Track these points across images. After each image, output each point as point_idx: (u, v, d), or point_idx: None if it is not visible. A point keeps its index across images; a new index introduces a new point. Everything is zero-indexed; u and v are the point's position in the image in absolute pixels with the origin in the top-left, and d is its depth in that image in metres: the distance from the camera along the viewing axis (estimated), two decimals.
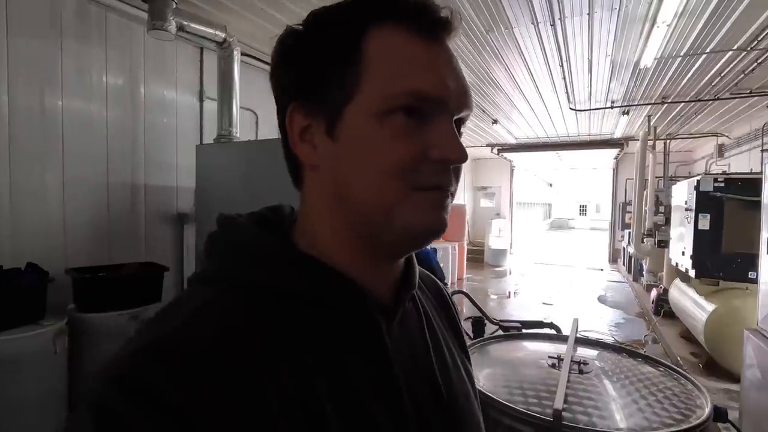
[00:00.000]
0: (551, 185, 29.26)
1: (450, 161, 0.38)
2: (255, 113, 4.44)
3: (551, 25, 3.35)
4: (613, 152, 9.72)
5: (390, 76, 0.36)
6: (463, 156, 0.38)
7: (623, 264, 9.60)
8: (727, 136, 7.33)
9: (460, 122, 0.41)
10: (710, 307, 3.60)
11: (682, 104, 5.81)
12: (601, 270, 10.25)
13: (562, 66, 4.31)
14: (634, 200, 6.33)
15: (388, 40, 0.37)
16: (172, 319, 0.35)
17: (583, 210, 29.88)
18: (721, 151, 7.28)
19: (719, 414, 1.18)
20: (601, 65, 4.37)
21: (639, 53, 3.95)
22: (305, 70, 0.39)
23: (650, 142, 7.16)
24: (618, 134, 8.34)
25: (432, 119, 0.37)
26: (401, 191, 0.37)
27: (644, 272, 6.81)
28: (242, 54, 3.94)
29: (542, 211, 30.76)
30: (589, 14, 3.19)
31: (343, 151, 0.38)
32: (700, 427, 0.96)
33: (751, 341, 2.28)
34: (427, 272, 0.58)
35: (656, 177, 7.24)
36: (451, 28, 0.39)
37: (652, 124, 6.93)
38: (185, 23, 2.92)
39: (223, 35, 3.18)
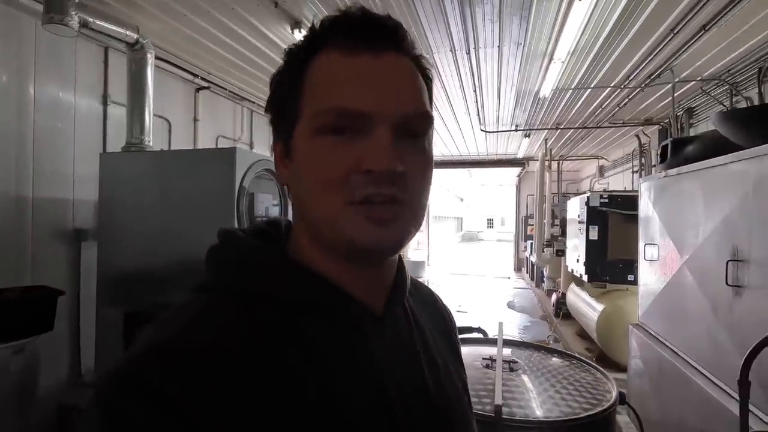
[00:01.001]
0: (463, 200, 31.25)
1: (375, 171, 0.37)
2: (168, 121, 4.13)
3: (467, 54, 3.66)
4: (517, 170, 10.75)
5: (317, 96, 0.39)
6: (390, 164, 0.37)
7: (527, 272, 10.56)
8: (606, 159, 8.53)
9: (410, 128, 0.40)
10: (600, 307, 4.14)
11: (572, 130, 6.67)
12: (508, 278, 11.15)
13: (475, 91, 4.70)
14: (536, 214, 7.04)
15: (323, 63, 0.40)
16: (172, 324, 0.37)
17: (490, 223, 32.32)
18: (601, 171, 8.45)
19: (621, 397, 1.37)
20: (508, 92, 4.85)
21: (539, 84, 4.48)
22: (274, 100, 0.44)
23: (547, 162, 8.07)
24: (521, 154, 9.25)
25: (365, 131, 0.38)
26: (338, 205, 0.38)
27: (545, 279, 7.57)
28: (158, 58, 3.68)
29: (455, 224, 32.64)
30: (499, 46, 3.55)
31: (296, 170, 0.42)
32: (610, 410, 1.12)
33: (634, 334, 2.67)
34: (420, 281, 0.60)
35: (552, 193, 8.18)
36: (388, 38, 0.40)
37: (548, 146, 7.84)
38: (90, 20, 2.65)
39: (135, 36, 2.94)
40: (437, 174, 11.93)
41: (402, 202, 0.39)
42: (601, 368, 1.40)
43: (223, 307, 0.39)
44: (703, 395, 1.79)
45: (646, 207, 2.57)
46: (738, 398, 1.26)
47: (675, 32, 3.14)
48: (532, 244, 8.57)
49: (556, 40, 3.36)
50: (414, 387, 0.44)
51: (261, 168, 2.84)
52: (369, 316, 0.43)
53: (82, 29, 2.62)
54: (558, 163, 9.19)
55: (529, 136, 7.17)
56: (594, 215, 4.21)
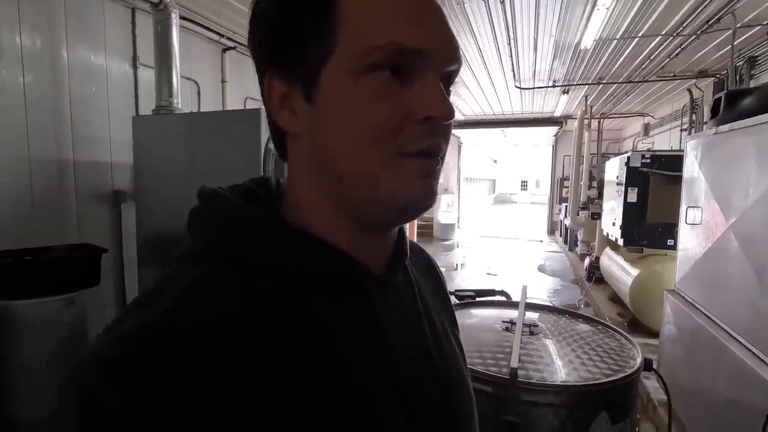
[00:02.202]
0: (496, 161, 30.43)
1: (437, 119, 0.34)
2: (197, 83, 4.15)
3: (501, 2, 3.41)
4: (553, 130, 10.25)
5: (367, 29, 0.33)
6: (450, 113, 0.35)
7: (560, 235, 10.31)
8: (652, 116, 7.96)
9: (449, 80, 0.38)
10: (635, 272, 4.00)
11: (615, 85, 6.21)
12: (541, 242, 10.94)
13: (509, 44, 4.42)
14: (572, 175, 6.75)
15: None
16: (159, 300, 0.33)
17: (524, 185, 31.48)
18: (646, 130, 7.92)
19: (647, 364, 1.32)
20: (546, 45, 4.53)
21: (580, 35, 4.14)
22: (279, 31, 0.36)
23: (586, 121, 7.63)
24: (558, 113, 8.78)
25: (415, 76, 0.34)
26: (385, 158, 0.34)
27: (579, 243, 7.37)
28: (181, 18, 3.65)
29: (487, 186, 32.01)
30: None
31: (322, 116, 0.36)
32: (632, 376, 1.09)
33: (669, 300, 2.57)
34: (415, 242, 0.56)
35: (591, 154, 7.77)
36: None
37: (588, 103, 7.38)
38: None
39: None
40: (469, 134, 11.58)
41: (442, 155, 0.37)
42: (626, 334, 1.36)
43: (215, 278, 0.35)
44: (737, 362, 1.72)
45: (691, 167, 2.39)
46: None
47: None
48: (566, 206, 8.29)
49: None
50: (418, 354, 0.43)
51: None
52: (373, 282, 0.40)
53: None
54: (599, 122, 8.66)
55: (567, 92, 6.76)
56: (634, 176, 3.98)
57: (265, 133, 2.60)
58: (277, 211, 0.41)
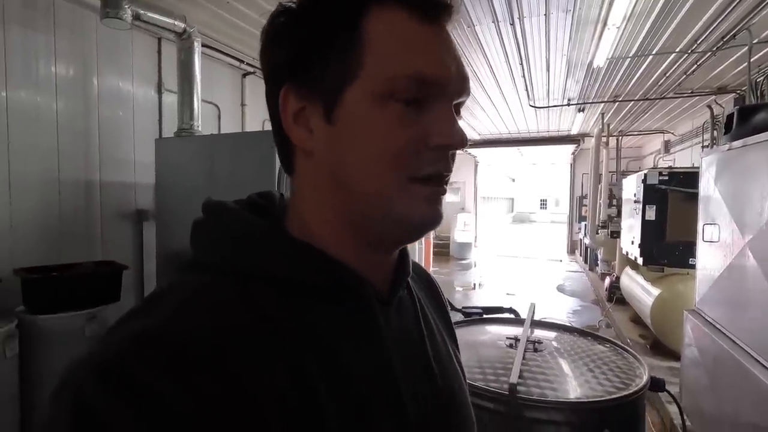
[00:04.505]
0: (514, 180, 30.20)
1: (450, 147, 0.37)
2: (217, 107, 4.34)
3: (511, 24, 3.47)
4: (571, 148, 10.17)
5: (395, 57, 0.35)
6: (463, 141, 0.37)
7: (580, 255, 10.08)
8: (672, 133, 7.83)
9: (458, 108, 0.40)
10: (656, 291, 3.88)
11: (632, 103, 6.16)
12: (560, 261, 10.71)
13: (521, 64, 4.47)
14: (590, 194, 6.65)
15: (389, 19, 0.35)
16: (159, 308, 0.33)
17: (543, 204, 31.06)
18: (667, 147, 7.78)
19: (657, 384, 1.29)
20: (558, 64, 4.56)
21: (592, 54, 4.16)
22: (300, 49, 0.37)
23: (604, 139, 7.56)
24: (575, 131, 8.72)
25: (431, 104, 0.36)
26: (400, 181, 0.36)
27: (599, 262, 7.20)
28: (203, 45, 3.84)
29: (505, 205, 31.72)
30: (546, 15, 3.33)
31: (342, 136, 0.36)
32: (637, 394, 1.07)
33: (689, 320, 2.48)
34: (414, 260, 0.57)
35: (610, 171, 7.66)
36: (451, 11, 0.38)
37: (605, 121, 7.32)
38: (141, 12, 2.82)
39: (182, 25, 3.09)
40: (485, 153, 11.58)
41: (448, 181, 0.40)
42: (634, 352, 1.32)
43: (216, 289, 0.35)
44: (761, 387, 1.64)
45: (707, 183, 2.35)
46: None
47: None
48: (586, 225, 8.14)
49: (610, 4, 3.09)
50: (420, 370, 0.43)
51: None
52: (378, 299, 0.41)
53: (134, 22, 2.80)
54: (617, 139, 8.56)
55: (583, 110, 6.73)
56: (651, 194, 3.90)
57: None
58: (280, 224, 0.41)
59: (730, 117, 2.06)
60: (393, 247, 0.42)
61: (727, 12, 3.16)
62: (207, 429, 0.27)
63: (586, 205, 8.87)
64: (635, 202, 4.19)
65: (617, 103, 6.22)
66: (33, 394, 2.35)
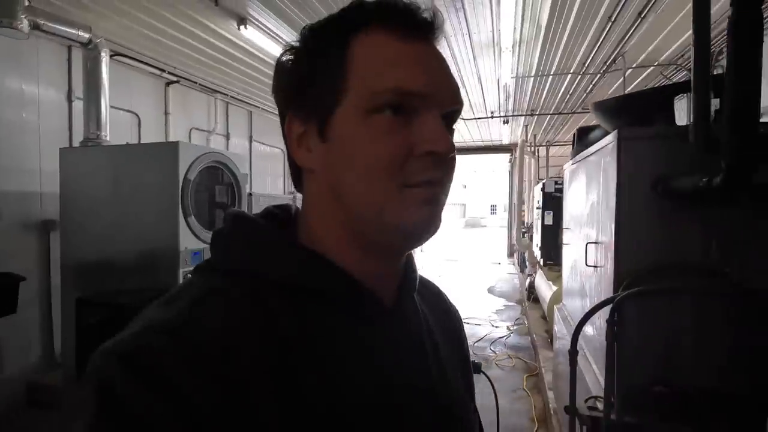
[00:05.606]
0: (465, 186, 31.20)
1: (436, 154, 0.38)
2: (137, 115, 4.30)
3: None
4: (506, 156, 10.76)
5: (374, 75, 0.37)
6: (449, 147, 0.38)
7: (517, 257, 10.65)
8: None
9: (451, 119, 0.41)
10: (553, 288, 4.26)
11: (549, 116, 6.69)
12: (499, 264, 11.26)
13: None
14: (512, 199, 7.11)
15: (372, 42, 0.38)
16: (177, 303, 0.35)
17: (493, 209, 32.28)
18: None
19: (475, 366, 1.51)
20: (471, 80, 4.91)
21: (498, 72, 4.54)
22: (299, 80, 0.41)
23: (530, 148, 8.11)
24: (506, 141, 9.28)
25: (418, 115, 0.38)
26: (391, 189, 0.38)
27: (526, 264, 7.67)
28: (119, 54, 3.83)
29: (458, 210, 32.64)
30: (445, 38, 3.63)
31: (334, 152, 0.39)
32: None
33: (555, 314, 2.80)
34: (433, 282, 0.59)
35: (540, 179, 8.22)
36: (434, 27, 0.40)
37: (531, 132, 7.87)
38: (41, 22, 2.80)
39: (87, 35, 3.08)
40: None
41: (445, 186, 0.40)
42: None
43: (228, 290, 0.37)
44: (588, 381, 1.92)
45: (565, 192, 2.68)
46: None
47: (612, 20, 3.19)
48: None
49: (499, 31, 3.43)
50: (421, 386, 0.43)
51: (209, 160, 3.01)
52: (380, 309, 0.42)
53: (34, 31, 2.78)
54: (546, 149, 9.21)
55: (507, 122, 7.20)
56: (549, 201, 4.31)
57: (182, 163, 2.76)
58: (293, 234, 0.44)
59: (574, 136, 2.38)
60: (392, 256, 0.44)
61: (600, 41, 3.59)
62: (215, 420, 0.30)
63: (523, 211, 9.44)
64: (537, 208, 4.58)
65: (536, 117, 6.73)
66: None
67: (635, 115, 1.59)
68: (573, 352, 1.45)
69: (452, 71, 0.41)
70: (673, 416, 1.29)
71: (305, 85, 0.40)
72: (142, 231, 2.81)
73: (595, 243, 1.69)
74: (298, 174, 0.44)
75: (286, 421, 0.33)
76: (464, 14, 3.19)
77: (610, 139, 1.48)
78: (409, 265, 0.47)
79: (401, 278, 0.46)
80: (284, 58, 0.42)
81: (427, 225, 0.39)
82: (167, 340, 0.31)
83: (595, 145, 1.76)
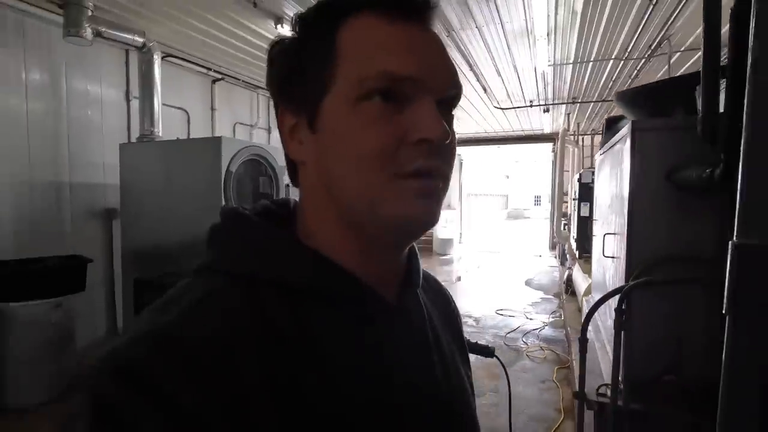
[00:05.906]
0: (508, 177, 30.41)
1: (429, 140, 0.35)
2: (186, 112, 4.63)
3: (447, 36, 3.75)
4: (549, 146, 10.43)
5: (361, 61, 0.36)
6: (443, 134, 0.35)
7: (558, 250, 10.35)
8: None
9: (450, 104, 0.39)
10: (588, 281, 4.16)
11: (592, 103, 6.43)
12: (540, 256, 10.99)
13: (472, 70, 4.74)
14: (554, 190, 6.92)
15: (360, 27, 0.37)
16: (173, 308, 0.34)
17: (537, 200, 31.27)
18: None
19: (488, 351, 1.58)
20: (507, 69, 4.83)
21: (534, 60, 4.44)
22: (288, 71, 0.40)
23: (573, 137, 7.82)
24: (547, 130, 8.99)
25: (411, 101, 0.36)
26: (382, 180, 0.36)
27: (566, 256, 7.47)
28: (170, 55, 4.14)
29: (500, 201, 31.92)
30: (478, 27, 3.61)
31: (323, 143, 0.38)
32: None
33: (585, 305, 2.77)
34: (431, 274, 0.57)
35: (585, 168, 7.91)
36: (428, 8, 0.38)
37: (573, 120, 7.59)
38: (102, 29, 3.11)
39: (141, 40, 3.38)
40: (470, 151, 11.86)
41: (443, 176, 0.39)
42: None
43: (227, 292, 0.36)
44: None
45: (595, 183, 2.64)
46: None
47: (654, 3, 3.05)
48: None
49: (532, 19, 3.37)
50: (424, 384, 0.43)
51: (249, 154, 3.22)
52: (382, 307, 0.41)
53: (96, 38, 3.09)
54: (591, 138, 8.83)
55: (548, 111, 7.00)
56: (585, 191, 4.18)
57: (225, 156, 2.98)
58: (291, 231, 0.42)
59: (603, 125, 2.34)
60: (392, 250, 0.42)
61: (642, 25, 3.43)
62: (211, 427, 0.29)
63: (566, 202, 9.14)
64: (573, 199, 4.46)
65: (578, 104, 6.49)
66: (2, 370, 2.66)
67: (657, 104, 1.57)
68: (583, 340, 1.49)
69: (487, 61, 0.41)
70: (682, 405, 1.30)
71: (295, 75, 0.39)
72: (190, 219, 3.07)
73: (613, 234, 1.69)
74: (293, 168, 0.43)
75: (286, 421, 0.32)
76: (495, 4, 3.17)
77: (625, 131, 1.48)
78: (412, 259, 0.46)
79: (404, 273, 0.45)
80: (275, 49, 0.41)
81: (421, 218, 0.37)
82: (160, 348, 0.30)
83: (616, 135, 1.75)
